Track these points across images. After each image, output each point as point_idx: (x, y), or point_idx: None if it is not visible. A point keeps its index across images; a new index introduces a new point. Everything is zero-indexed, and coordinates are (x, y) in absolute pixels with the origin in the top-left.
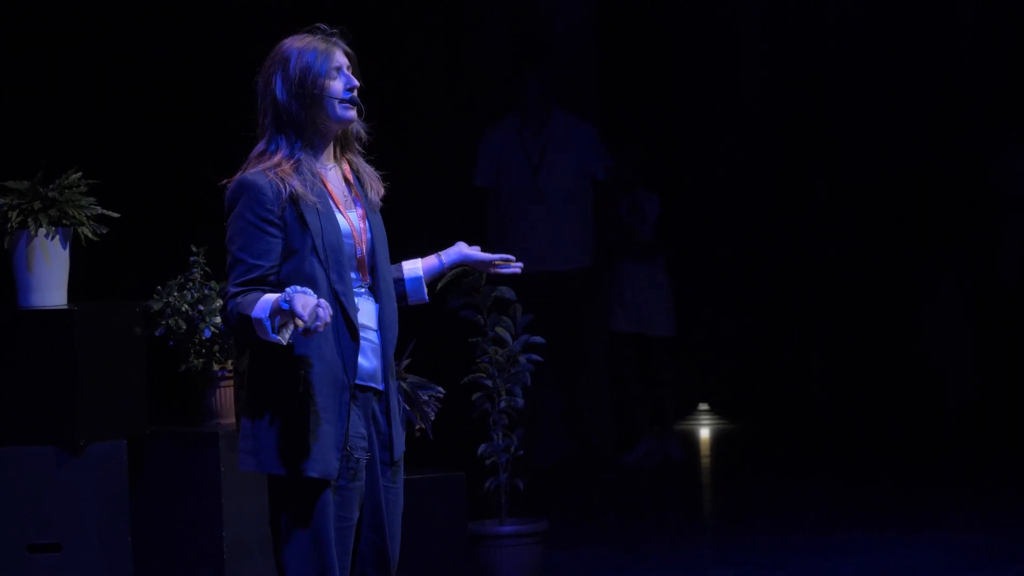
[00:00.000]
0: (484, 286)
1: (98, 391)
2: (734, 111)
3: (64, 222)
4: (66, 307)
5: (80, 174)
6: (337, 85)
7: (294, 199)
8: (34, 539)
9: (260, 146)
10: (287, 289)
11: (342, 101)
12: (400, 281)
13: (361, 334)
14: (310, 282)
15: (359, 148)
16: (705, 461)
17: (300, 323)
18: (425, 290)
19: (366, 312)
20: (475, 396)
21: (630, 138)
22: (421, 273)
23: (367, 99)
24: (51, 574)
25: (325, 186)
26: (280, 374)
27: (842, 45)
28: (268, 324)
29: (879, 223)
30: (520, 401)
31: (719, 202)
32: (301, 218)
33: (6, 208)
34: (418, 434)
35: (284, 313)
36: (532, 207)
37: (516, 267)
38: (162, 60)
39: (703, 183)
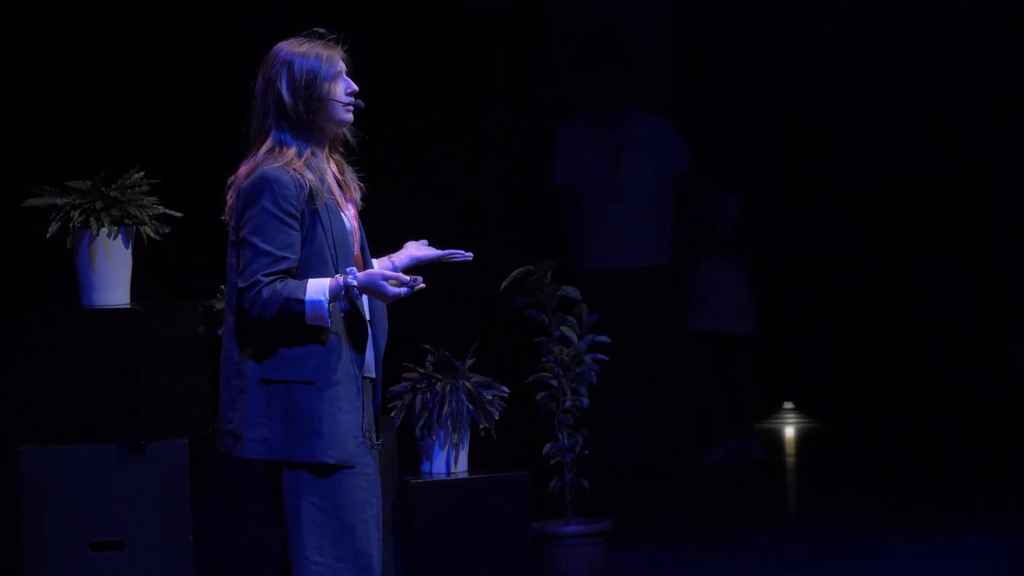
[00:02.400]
0: (549, 285)
1: (160, 390)
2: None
3: (126, 221)
4: (128, 306)
5: (142, 174)
6: (340, 88)
7: (312, 195)
8: (97, 537)
9: (268, 144)
10: (347, 277)
11: (346, 104)
12: None
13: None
14: (322, 277)
15: (341, 149)
16: (788, 461)
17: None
18: None
19: (367, 305)
20: (540, 396)
21: (709, 135)
22: None
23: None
24: (113, 572)
25: (329, 184)
26: (292, 363)
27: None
28: (327, 308)
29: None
30: (585, 401)
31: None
32: (316, 213)
33: (68, 208)
34: (482, 433)
35: (346, 299)
36: (610, 204)
37: (466, 255)
38: (228, 58)
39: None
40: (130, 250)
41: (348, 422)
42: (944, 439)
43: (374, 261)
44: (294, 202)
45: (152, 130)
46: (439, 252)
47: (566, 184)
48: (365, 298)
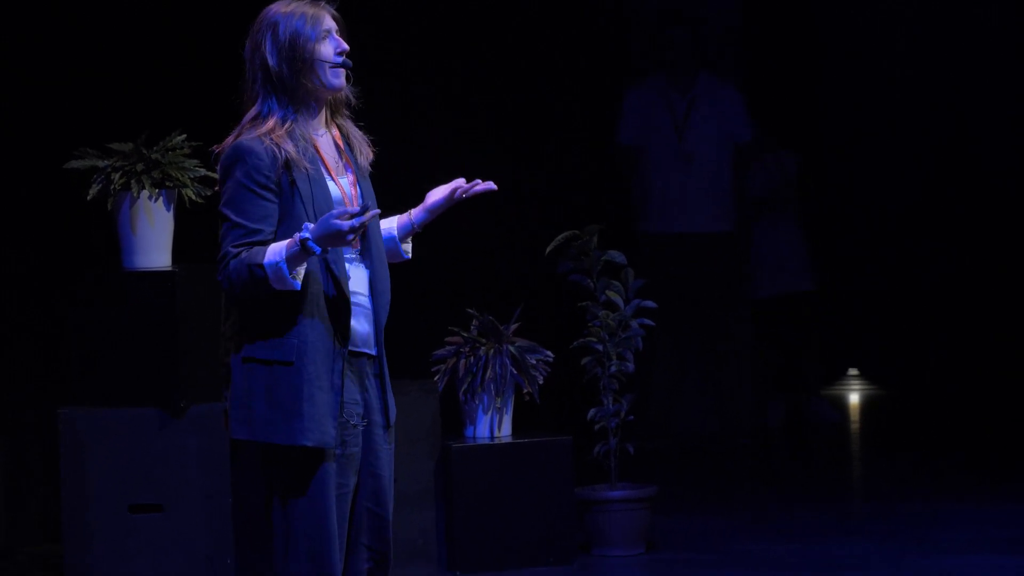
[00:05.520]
0: (594, 250)
1: (201, 353)
2: (880, 85)
3: (167, 184)
4: (169, 268)
5: (184, 136)
6: (327, 49)
7: (288, 165)
8: (136, 500)
9: (252, 111)
10: (297, 234)
11: (333, 65)
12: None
13: (353, 300)
14: None
15: (348, 112)
16: (852, 427)
17: (351, 230)
18: (401, 247)
19: (357, 278)
20: (585, 360)
21: (773, 100)
22: (396, 232)
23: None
24: (153, 535)
25: (317, 152)
26: (272, 341)
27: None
28: (286, 267)
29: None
30: (631, 366)
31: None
32: (294, 184)
33: (110, 170)
34: (526, 398)
35: (305, 253)
36: (675, 168)
37: (485, 185)
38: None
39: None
40: (171, 212)
41: (328, 402)
42: (1011, 408)
43: (394, 218)
44: (267, 173)
45: (194, 92)
46: (449, 187)
47: (632, 146)
48: (353, 273)
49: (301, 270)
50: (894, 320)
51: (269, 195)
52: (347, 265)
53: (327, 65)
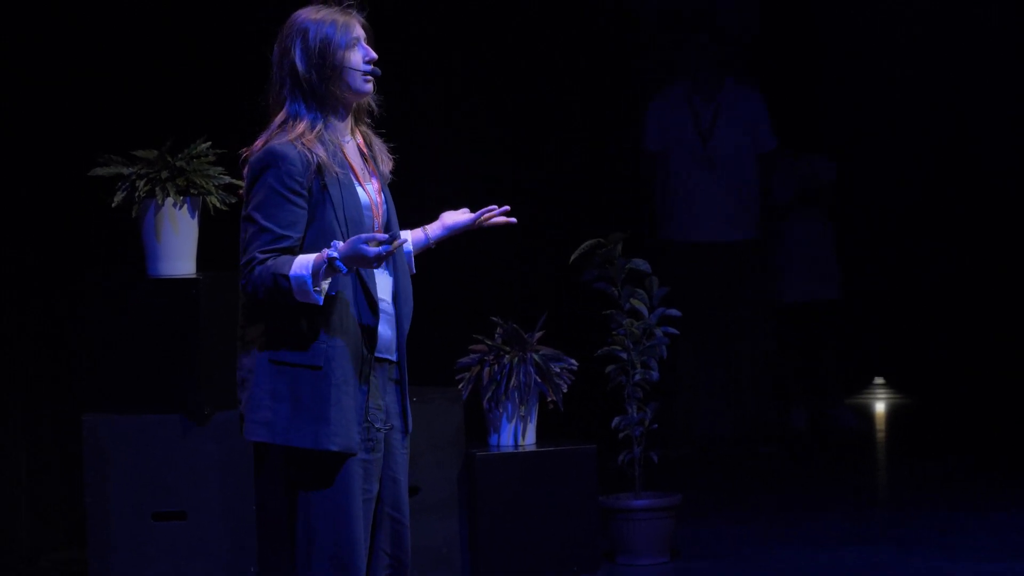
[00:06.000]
0: (618, 258)
1: (224, 360)
2: (881, 94)
3: (192, 191)
4: (193, 276)
5: (209, 143)
6: (356, 56)
7: (320, 170)
8: (159, 507)
9: (281, 116)
10: (329, 249)
11: (364, 73)
12: None
13: (382, 307)
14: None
15: (368, 120)
16: (876, 435)
17: (377, 258)
18: (412, 262)
19: (382, 285)
20: (609, 368)
21: (804, 104)
22: (411, 247)
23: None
24: (176, 542)
25: (345, 158)
26: (301, 345)
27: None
28: (310, 282)
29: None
30: (655, 374)
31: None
32: (325, 189)
33: (134, 177)
34: (550, 406)
35: (331, 272)
36: (701, 175)
37: (504, 215)
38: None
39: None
40: (196, 220)
41: (353, 407)
42: (1015, 409)
43: (408, 232)
44: (299, 179)
45: (219, 99)
46: (472, 216)
47: (657, 152)
48: (379, 280)
49: (325, 285)
50: (919, 328)
51: (300, 201)
52: (378, 272)
53: (357, 72)
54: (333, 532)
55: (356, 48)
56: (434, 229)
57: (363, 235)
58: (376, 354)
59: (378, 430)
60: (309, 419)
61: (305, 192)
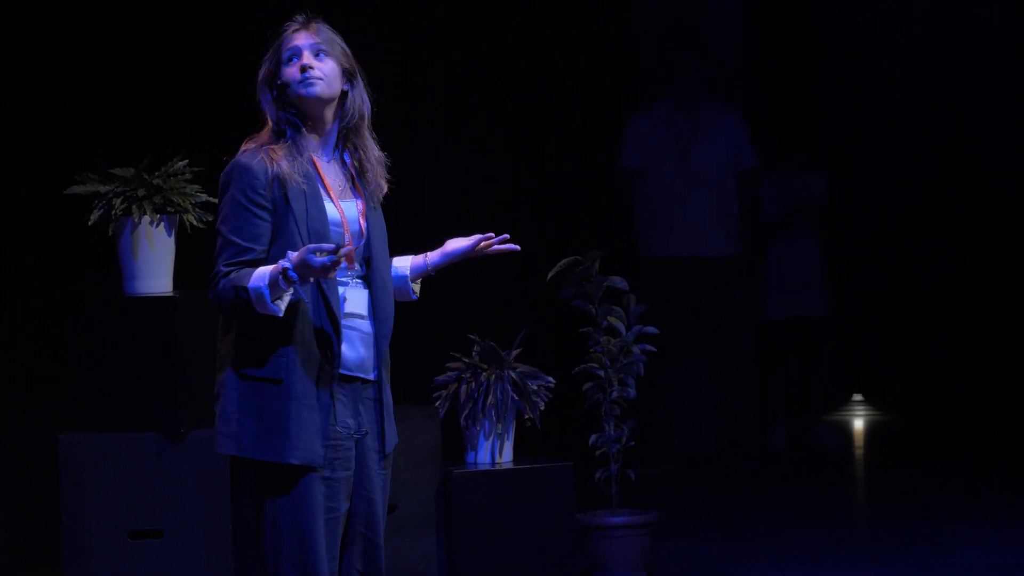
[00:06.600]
0: (596, 276)
1: (201, 378)
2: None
3: (169, 209)
4: (170, 294)
5: (186, 161)
6: (292, 71)
7: (282, 180)
8: (136, 525)
9: (263, 130)
10: (282, 260)
11: (299, 83)
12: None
13: (346, 323)
14: None
15: (370, 143)
16: (856, 452)
17: (323, 268)
18: (411, 287)
19: (355, 301)
20: (587, 386)
21: (796, 121)
22: (407, 272)
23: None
24: (152, 560)
25: (318, 172)
26: (263, 359)
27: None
28: (268, 294)
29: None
30: (632, 392)
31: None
32: (287, 201)
33: (111, 195)
34: (528, 424)
35: (286, 282)
36: (680, 191)
37: (508, 245)
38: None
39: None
40: (172, 238)
41: (317, 422)
42: (1013, 413)
43: (408, 258)
44: (261, 191)
45: (196, 117)
46: (471, 242)
47: (635, 170)
48: (350, 295)
49: (286, 296)
50: (899, 346)
51: (263, 213)
52: (343, 288)
53: (292, 85)
54: (298, 547)
55: (292, 63)
56: (434, 256)
57: (312, 245)
58: (345, 371)
59: (347, 449)
60: (271, 433)
61: (269, 204)
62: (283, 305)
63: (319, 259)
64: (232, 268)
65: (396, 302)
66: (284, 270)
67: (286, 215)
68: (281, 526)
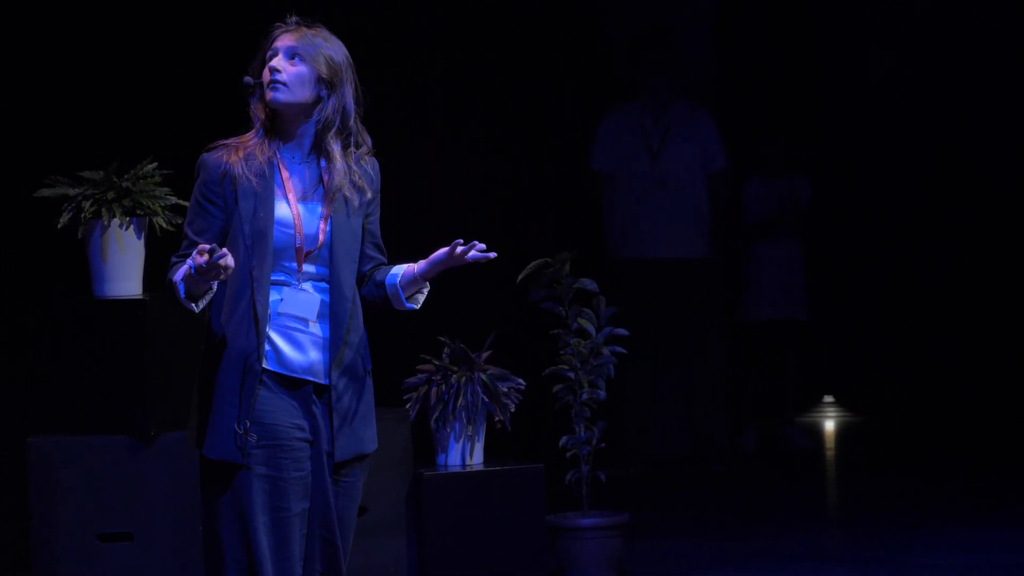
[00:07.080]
0: (566, 278)
1: (171, 381)
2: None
3: (138, 212)
4: (140, 297)
5: (155, 164)
6: (265, 72)
7: (233, 178)
8: (106, 528)
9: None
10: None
11: (266, 85)
12: (381, 285)
13: (283, 323)
14: (238, 265)
15: (356, 145)
16: (827, 454)
17: (202, 271)
18: (403, 295)
19: (297, 303)
20: (557, 388)
21: (777, 123)
22: (398, 279)
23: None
24: (122, 563)
25: (280, 172)
26: (206, 353)
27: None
28: (180, 288)
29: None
30: (602, 393)
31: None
32: (236, 198)
33: (80, 198)
34: (498, 426)
35: (198, 273)
36: (651, 194)
37: (484, 253)
38: (245, 47)
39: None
40: (142, 241)
41: (235, 416)
42: (987, 436)
43: (399, 267)
44: (214, 187)
45: (165, 120)
46: (445, 249)
47: (605, 172)
48: (291, 297)
49: (207, 295)
50: (870, 348)
51: (213, 209)
52: (284, 288)
53: (265, 85)
54: (240, 543)
55: (269, 63)
56: (421, 266)
57: (202, 246)
58: (287, 372)
59: (298, 449)
60: (204, 426)
61: (220, 200)
62: (201, 304)
63: (198, 260)
64: (180, 260)
65: (373, 308)
66: (190, 267)
67: (235, 213)
68: (222, 523)
